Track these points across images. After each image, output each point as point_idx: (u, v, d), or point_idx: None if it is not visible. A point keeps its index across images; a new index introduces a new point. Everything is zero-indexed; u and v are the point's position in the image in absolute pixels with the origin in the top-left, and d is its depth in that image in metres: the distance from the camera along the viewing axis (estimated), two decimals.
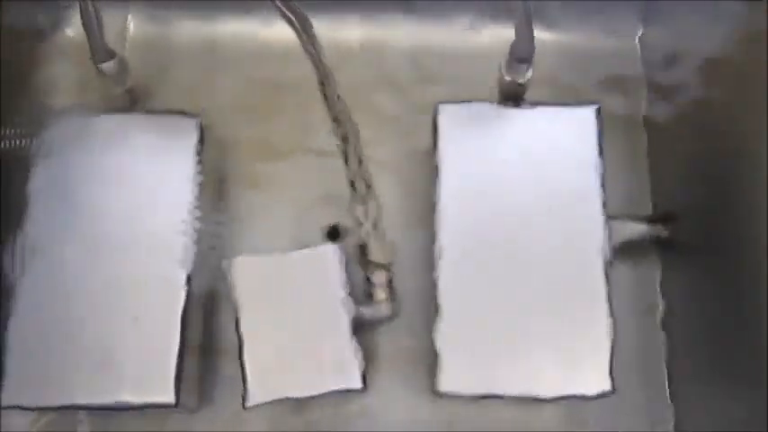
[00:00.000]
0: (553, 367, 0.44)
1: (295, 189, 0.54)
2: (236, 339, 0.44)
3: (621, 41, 0.58)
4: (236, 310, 0.44)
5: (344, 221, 0.53)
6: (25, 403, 0.43)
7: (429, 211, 0.47)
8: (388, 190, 0.53)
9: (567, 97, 0.49)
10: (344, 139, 0.42)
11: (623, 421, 0.51)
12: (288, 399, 0.43)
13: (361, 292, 0.46)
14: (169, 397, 0.43)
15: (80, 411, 0.49)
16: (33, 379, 0.43)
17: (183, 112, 0.49)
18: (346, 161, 0.42)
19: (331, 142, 0.42)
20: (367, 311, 0.45)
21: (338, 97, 0.41)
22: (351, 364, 0.43)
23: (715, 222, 0.45)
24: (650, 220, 0.51)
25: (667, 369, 0.51)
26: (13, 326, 0.44)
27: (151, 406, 0.43)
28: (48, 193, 0.46)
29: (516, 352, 0.44)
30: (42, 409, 0.44)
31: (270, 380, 0.43)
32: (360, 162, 0.42)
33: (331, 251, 0.45)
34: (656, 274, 0.53)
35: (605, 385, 0.43)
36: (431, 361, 0.44)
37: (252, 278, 0.44)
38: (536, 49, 0.42)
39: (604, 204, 0.46)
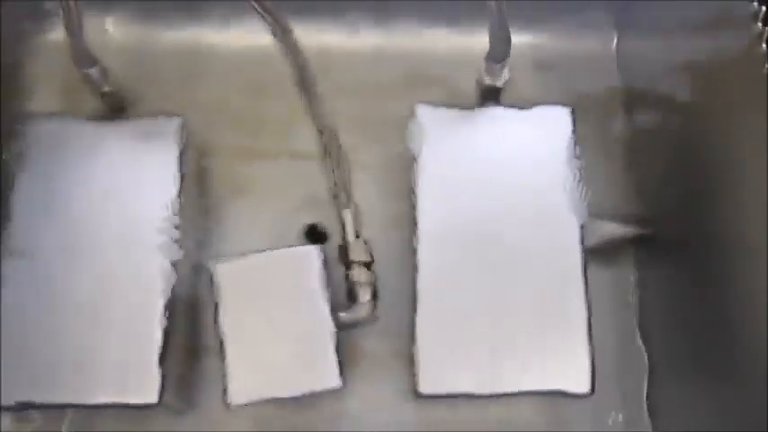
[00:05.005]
0: (532, 366, 0.44)
1: (278, 192, 0.55)
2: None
3: (598, 41, 0.59)
4: (217, 312, 0.44)
5: (325, 224, 0.54)
6: (5, 402, 0.43)
7: (408, 212, 0.47)
8: (369, 192, 0.54)
9: (542, 98, 0.49)
10: (326, 144, 0.42)
11: (600, 421, 0.51)
12: (270, 399, 0.43)
13: (341, 294, 0.46)
14: (151, 397, 0.43)
15: (64, 414, 0.49)
16: (15, 378, 0.43)
17: (164, 116, 0.49)
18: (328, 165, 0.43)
19: (313, 146, 0.43)
20: (348, 313, 0.45)
21: (319, 101, 0.41)
22: (330, 365, 0.43)
23: (691, 221, 0.46)
24: (627, 220, 0.52)
25: (645, 367, 0.52)
26: None
27: (133, 406, 0.43)
28: (29, 196, 0.46)
29: (495, 351, 0.44)
30: (24, 408, 0.43)
31: (251, 381, 0.43)
32: (342, 167, 0.43)
33: (312, 251, 0.45)
34: (632, 273, 0.54)
35: (585, 384, 0.44)
36: (411, 362, 0.44)
37: (234, 280, 0.44)
38: (513, 51, 0.43)
39: (581, 204, 0.47)
